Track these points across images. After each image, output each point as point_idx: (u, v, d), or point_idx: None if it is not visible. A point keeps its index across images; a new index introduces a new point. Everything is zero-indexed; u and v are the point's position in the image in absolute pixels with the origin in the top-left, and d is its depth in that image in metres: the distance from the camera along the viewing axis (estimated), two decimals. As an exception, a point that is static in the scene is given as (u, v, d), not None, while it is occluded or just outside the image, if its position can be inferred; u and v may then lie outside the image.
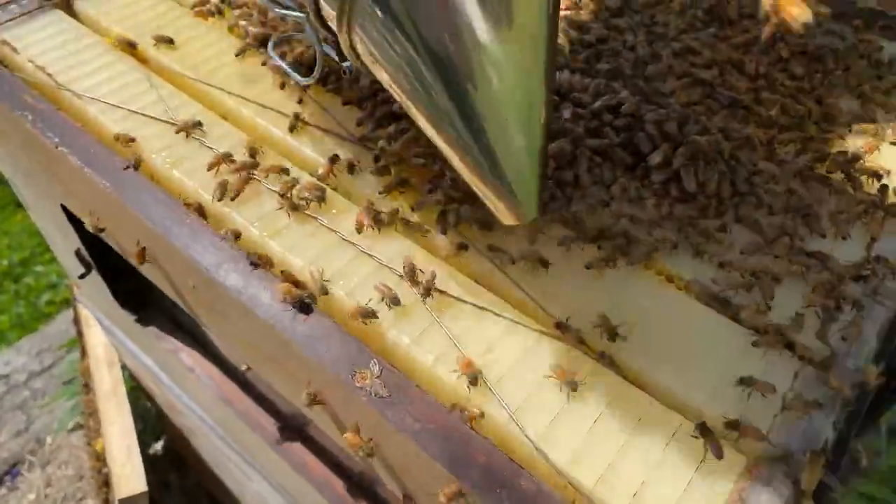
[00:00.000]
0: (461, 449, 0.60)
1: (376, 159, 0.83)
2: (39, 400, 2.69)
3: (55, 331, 2.99)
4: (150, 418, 2.15)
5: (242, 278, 0.72)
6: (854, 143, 0.88)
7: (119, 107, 0.90)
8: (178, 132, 0.86)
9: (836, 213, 0.78)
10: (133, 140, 0.84)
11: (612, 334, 0.66)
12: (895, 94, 0.96)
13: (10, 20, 1.02)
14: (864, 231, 0.78)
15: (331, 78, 0.94)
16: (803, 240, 0.76)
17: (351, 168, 0.82)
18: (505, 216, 0.67)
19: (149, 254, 0.82)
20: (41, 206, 1.17)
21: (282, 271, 0.73)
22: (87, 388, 1.97)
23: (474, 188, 0.67)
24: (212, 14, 1.05)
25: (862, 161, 0.84)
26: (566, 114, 0.87)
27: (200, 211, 0.78)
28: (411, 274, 0.71)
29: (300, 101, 0.92)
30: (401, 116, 0.87)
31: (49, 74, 0.94)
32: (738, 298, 0.70)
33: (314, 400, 0.69)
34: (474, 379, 0.63)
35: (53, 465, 2.53)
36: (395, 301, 0.70)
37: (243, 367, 0.81)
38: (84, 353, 2.21)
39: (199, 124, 0.86)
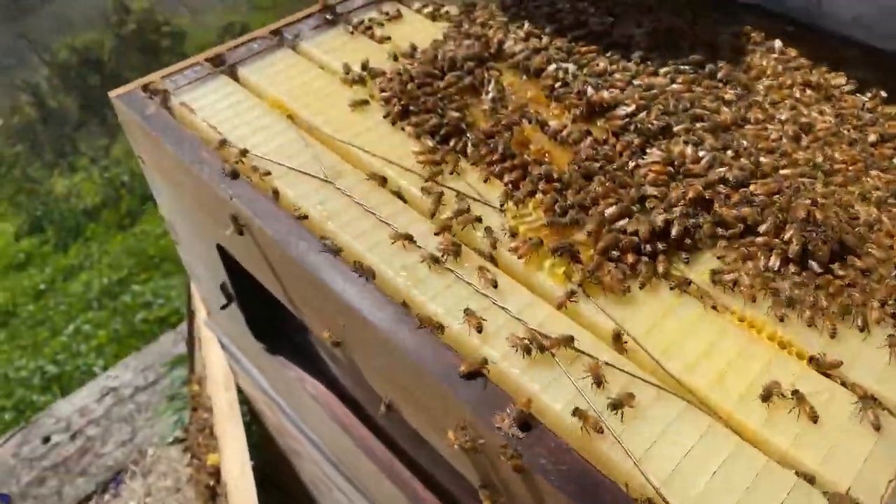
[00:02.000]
0: (591, 490, 0.67)
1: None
2: (144, 413, 2.89)
3: (158, 350, 3.22)
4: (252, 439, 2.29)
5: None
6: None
7: (280, 164, 1.03)
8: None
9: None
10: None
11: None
12: None
13: (187, 84, 1.19)
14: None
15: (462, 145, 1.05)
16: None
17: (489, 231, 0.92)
18: None
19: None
20: (193, 243, 1.32)
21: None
22: (197, 405, 2.13)
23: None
24: (355, 82, 1.19)
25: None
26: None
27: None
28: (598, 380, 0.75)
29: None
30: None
31: (220, 133, 1.09)
32: None
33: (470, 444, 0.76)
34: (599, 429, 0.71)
35: (153, 475, 2.71)
36: (527, 350, 0.78)
37: (381, 408, 0.91)
38: (192, 372, 2.39)
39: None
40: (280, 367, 1.34)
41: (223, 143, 1.06)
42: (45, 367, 3.84)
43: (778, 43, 1.26)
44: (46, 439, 2.83)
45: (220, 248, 1.18)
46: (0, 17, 7.35)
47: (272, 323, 1.33)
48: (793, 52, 1.24)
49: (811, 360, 0.77)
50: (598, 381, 0.74)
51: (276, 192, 0.99)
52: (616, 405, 0.72)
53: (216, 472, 1.76)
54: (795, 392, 0.73)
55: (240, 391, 1.76)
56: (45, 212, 6.07)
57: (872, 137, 1.07)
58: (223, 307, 1.32)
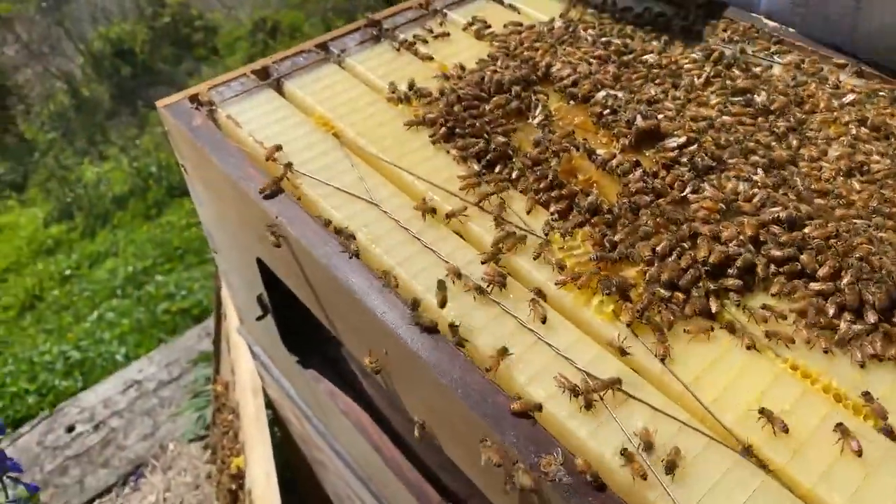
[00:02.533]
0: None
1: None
2: (167, 408, 2.92)
3: (183, 346, 3.25)
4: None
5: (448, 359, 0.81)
6: None
7: (327, 184, 1.03)
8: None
9: None
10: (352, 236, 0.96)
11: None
12: None
13: (234, 97, 1.19)
14: None
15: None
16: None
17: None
18: None
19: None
20: (231, 254, 1.33)
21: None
22: (222, 406, 2.14)
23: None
24: (400, 101, 1.18)
25: None
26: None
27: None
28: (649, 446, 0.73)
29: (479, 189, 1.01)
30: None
31: (266, 149, 1.09)
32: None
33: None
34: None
35: (173, 471, 2.74)
36: (575, 392, 0.77)
37: (416, 431, 0.90)
38: (218, 373, 2.41)
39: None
40: (311, 381, 1.34)
41: (272, 157, 1.06)
42: (69, 353, 3.89)
43: (833, 75, 1.24)
44: (71, 428, 2.87)
45: (260, 262, 1.18)
46: (38, 5, 7.46)
47: (306, 337, 1.33)
48: (848, 85, 1.22)
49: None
50: (649, 445, 0.72)
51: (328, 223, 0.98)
52: (670, 466, 0.70)
53: (240, 476, 1.77)
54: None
55: (266, 395, 1.77)
56: (74, 198, 6.16)
57: (930, 179, 1.04)
58: (259, 318, 1.32)
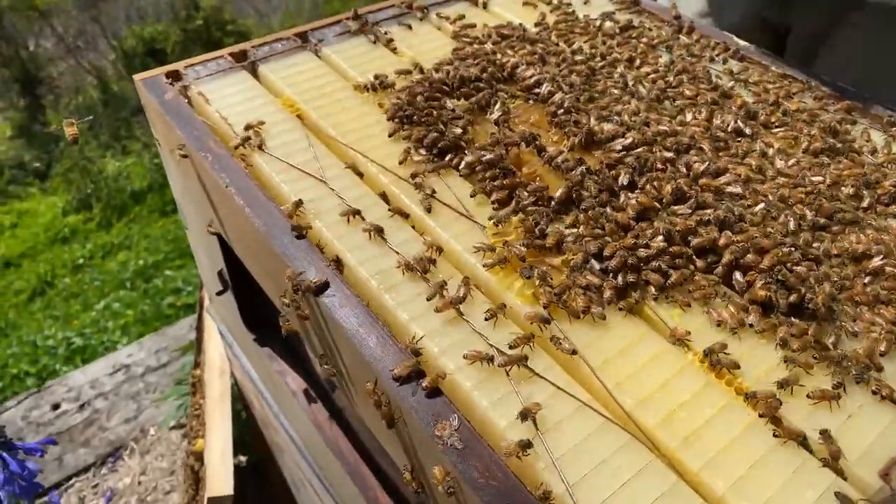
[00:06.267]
0: (517, 508, 0.67)
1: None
2: (151, 394, 2.96)
3: (175, 333, 3.30)
4: (243, 431, 2.32)
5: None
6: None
7: (281, 160, 1.06)
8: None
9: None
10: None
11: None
12: None
13: (209, 75, 1.24)
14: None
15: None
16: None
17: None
18: None
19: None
20: (198, 229, 1.37)
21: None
22: (196, 390, 2.17)
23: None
24: (367, 89, 1.22)
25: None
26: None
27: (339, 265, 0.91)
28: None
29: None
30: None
31: (230, 125, 1.13)
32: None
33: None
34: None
35: (151, 455, 2.76)
36: (489, 360, 0.79)
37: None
38: (199, 359, 2.44)
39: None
40: (267, 360, 1.36)
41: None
42: (72, 339, 3.95)
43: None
44: (56, 406, 2.92)
45: (220, 237, 1.21)
46: (76, 1, 7.70)
47: (265, 316, 1.36)
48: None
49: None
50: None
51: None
52: (524, 415, 0.73)
53: (201, 457, 1.79)
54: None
55: (234, 380, 1.80)
56: (94, 190, 6.29)
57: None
58: (219, 293, 1.35)
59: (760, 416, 0.75)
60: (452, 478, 0.71)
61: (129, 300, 4.50)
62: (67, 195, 6.64)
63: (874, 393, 0.78)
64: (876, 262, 0.92)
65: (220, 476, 1.51)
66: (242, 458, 2.52)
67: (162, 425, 2.84)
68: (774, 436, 0.74)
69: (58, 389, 3.00)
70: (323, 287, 0.88)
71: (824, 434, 0.73)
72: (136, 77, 1.23)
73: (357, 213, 0.96)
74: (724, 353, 0.80)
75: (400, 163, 1.05)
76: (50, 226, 6.26)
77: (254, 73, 1.28)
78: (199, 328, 2.31)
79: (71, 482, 2.67)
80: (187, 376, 2.89)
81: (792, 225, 0.96)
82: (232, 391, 1.94)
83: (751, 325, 0.84)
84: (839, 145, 1.14)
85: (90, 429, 2.85)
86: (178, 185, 1.34)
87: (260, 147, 1.08)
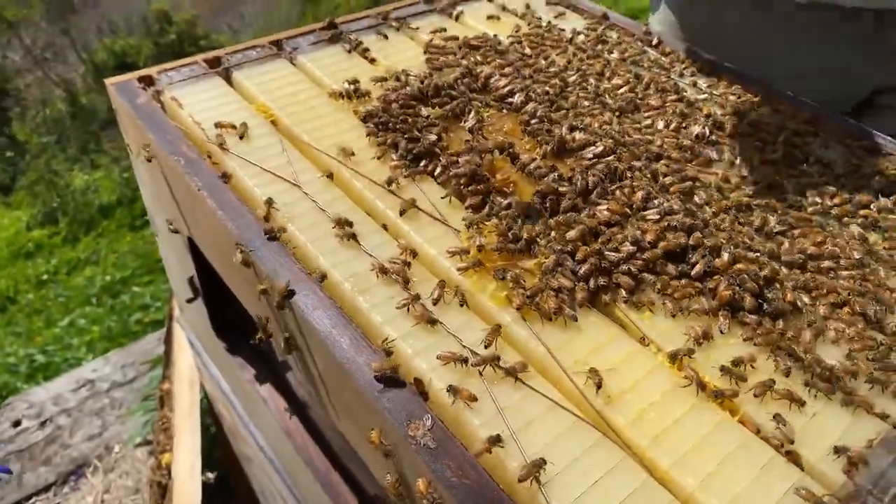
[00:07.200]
0: (490, 505, 0.67)
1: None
2: (116, 410, 2.89)
3: (141, 349, 3.23)
4: (211, 446, 2.28)
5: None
6: None
7: (254, 164, 1.06)
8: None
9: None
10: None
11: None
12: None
13: (182, 80, 1.23)
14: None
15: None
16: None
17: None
18: None
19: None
20: (168, 235, 1.35)
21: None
22: (164, 403, 2.13)
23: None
24: (341, 97, 1.22)
25: None
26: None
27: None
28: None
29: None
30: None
31: (203, 129, 1.12)
32: None
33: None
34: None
35: (115, 473, 2.69)
36: (463, 361, 0.79)
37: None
38: (167, 372, 2.40)
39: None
40: (238, 369, 1.35)
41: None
42: (34, 356, 3.85)
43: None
44: (17, 423, 2.83)
45: (191, 242, 1.20)
46: (46, 12, 7.60)
47: (237, 324, 1.34)
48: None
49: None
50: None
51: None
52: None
53: (169, 471, 1.75)
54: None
55: (206, 394, 1.77)
56: (60, 204, 6.17)
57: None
58: (189, 300, 1.33)
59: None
60: (435, 488, 0.71)
61: (94, 316, 4.41)
62: (32, 209, 6.50)
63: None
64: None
65: (189, 492, 1.48)
66: (210, 475, 2.47)
67: (127, 442, 2.76)
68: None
69: (18, 406, 2.91)
70: (294, 292, 0.87)
71: (777, 417, 0.75)
72: (108, 81, 1.22)
73: (349, 223, 0.95)
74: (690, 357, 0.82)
75: (377, 157, 1.05)
76: (13, 240, 6.11)
77: (227, 79, 1.28)
78: (168, 340, 2.27)
79: (31, 502, 2.58)
80: (154, 391, 2.82)
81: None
82: (201, 405, 1.91)
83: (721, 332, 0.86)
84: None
85: (52, 446, 2.77)
86: (148, 191, 1.32)
87: (221, 146, 1.07)
